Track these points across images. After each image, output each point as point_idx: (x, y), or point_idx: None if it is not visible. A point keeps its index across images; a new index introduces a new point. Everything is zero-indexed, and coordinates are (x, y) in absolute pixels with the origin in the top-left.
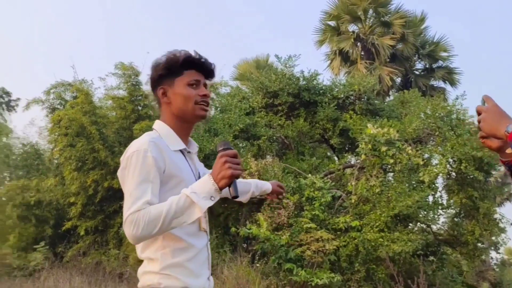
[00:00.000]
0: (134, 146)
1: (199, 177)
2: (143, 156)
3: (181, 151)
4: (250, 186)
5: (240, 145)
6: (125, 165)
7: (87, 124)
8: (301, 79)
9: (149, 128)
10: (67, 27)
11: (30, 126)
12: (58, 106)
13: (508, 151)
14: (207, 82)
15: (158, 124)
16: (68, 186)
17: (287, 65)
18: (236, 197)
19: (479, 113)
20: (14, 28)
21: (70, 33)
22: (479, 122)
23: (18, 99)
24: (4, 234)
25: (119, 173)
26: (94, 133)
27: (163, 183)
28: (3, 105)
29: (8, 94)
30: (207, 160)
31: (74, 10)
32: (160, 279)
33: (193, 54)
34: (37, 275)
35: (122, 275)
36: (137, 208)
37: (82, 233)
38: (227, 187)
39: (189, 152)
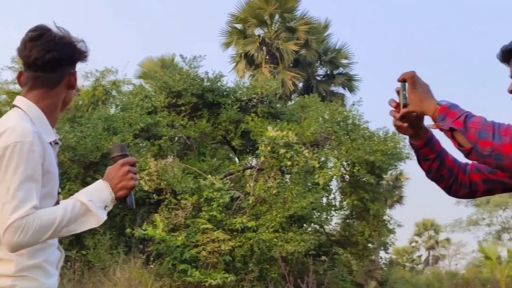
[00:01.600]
0: (15, 135)
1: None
2: (29, 150)
3: (50, 143)
4: None
5: (141, 144)
6: (1, 155)
7: None
8: (206, 80)
9: None
10: None
11: None
12: None
13: (432, 126)
14: None
15: (26, 104)
16: None
17: (192, 66)
18: (132, 209)
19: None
20: None
21: None
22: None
23: None
24: None
25: None
26: None
27: None
28: None
29: None
30: (104, 159)
31: None
32: (14, 281)
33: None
34: None
35: None
36: (25, 213)
37: None
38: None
39: (56, 143)
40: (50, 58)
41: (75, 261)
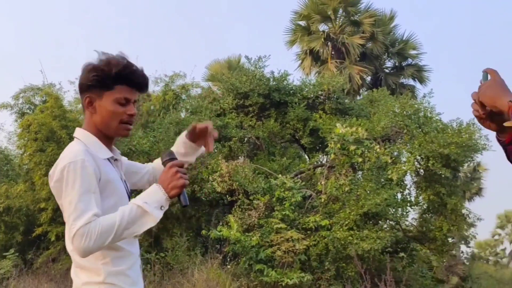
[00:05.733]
0: (67, 157)
1: (126, 185)
2: (81, 166)
3: (108, 159)
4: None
5: None
6: (60, 177)
7: (57, 128)
8: (271, 79)
9: None
10: (33, 28)
11: None
12: (28, 111)
13: (507, 124)
14: (137, 96)
15: (81, 133)
16: (38, 191)
17: (257, 66)
18: (187, 205)
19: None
20: None
21: (37, 35)
22: (478, 97)
23: None
24: None
25: (52, 185)
26: (65, 137)
27: (99, 192)
28: None
29: None
30: None
31: (38, 11)
32: None
33: (128, 64)
34: (5, 283)
35: None
36: (87, 221)
37: (53, 239)
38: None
39: (115, 160)
40: (78, 86)
41: (155, 263)
